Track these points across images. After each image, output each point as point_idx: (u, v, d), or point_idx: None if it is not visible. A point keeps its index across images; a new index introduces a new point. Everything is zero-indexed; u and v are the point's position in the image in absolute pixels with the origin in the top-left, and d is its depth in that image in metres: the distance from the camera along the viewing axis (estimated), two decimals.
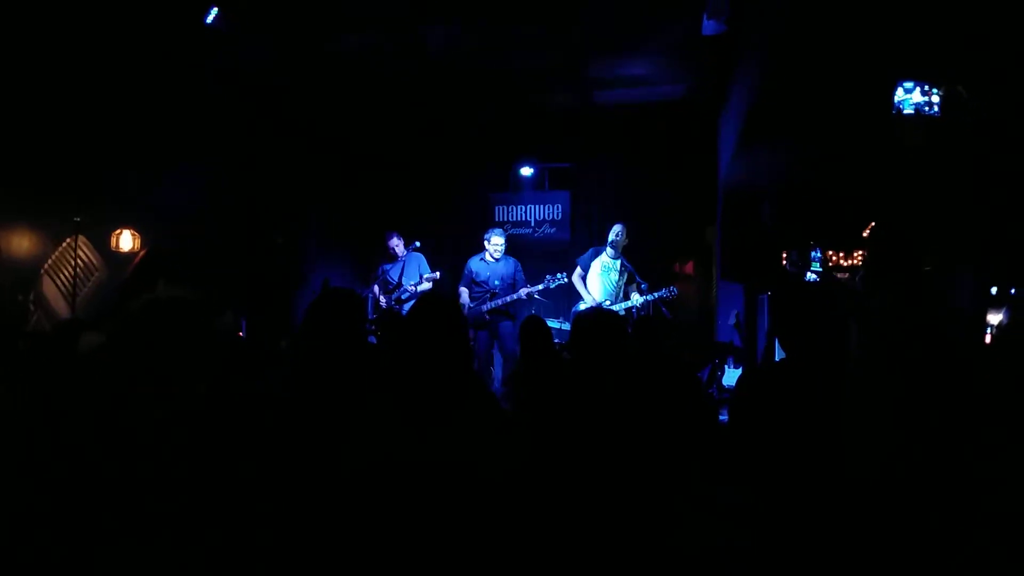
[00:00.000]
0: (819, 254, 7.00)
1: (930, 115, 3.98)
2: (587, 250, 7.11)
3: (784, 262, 6.99)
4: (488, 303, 6.66)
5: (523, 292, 6.59)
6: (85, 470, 1.78)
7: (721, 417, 4.24)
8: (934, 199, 5.12)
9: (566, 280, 6.66)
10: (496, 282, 6.70)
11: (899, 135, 4.18)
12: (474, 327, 6.60)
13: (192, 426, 1.86)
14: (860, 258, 6.87)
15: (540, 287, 6.59)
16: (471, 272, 6.84)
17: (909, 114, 3.98)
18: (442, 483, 1.93)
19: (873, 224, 6.51)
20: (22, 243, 6.16)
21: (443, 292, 7.16)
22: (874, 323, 3.55)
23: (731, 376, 6.61)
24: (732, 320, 6.84)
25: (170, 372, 1.89)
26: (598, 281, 6.83)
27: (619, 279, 6.80)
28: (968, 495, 2.08)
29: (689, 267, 8.58)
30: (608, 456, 2.50)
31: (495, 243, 6.75)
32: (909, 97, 4.01)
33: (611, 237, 6.78)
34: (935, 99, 3.95)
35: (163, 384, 1.89)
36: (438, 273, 7.10)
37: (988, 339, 4.51)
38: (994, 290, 4.93)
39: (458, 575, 1.91)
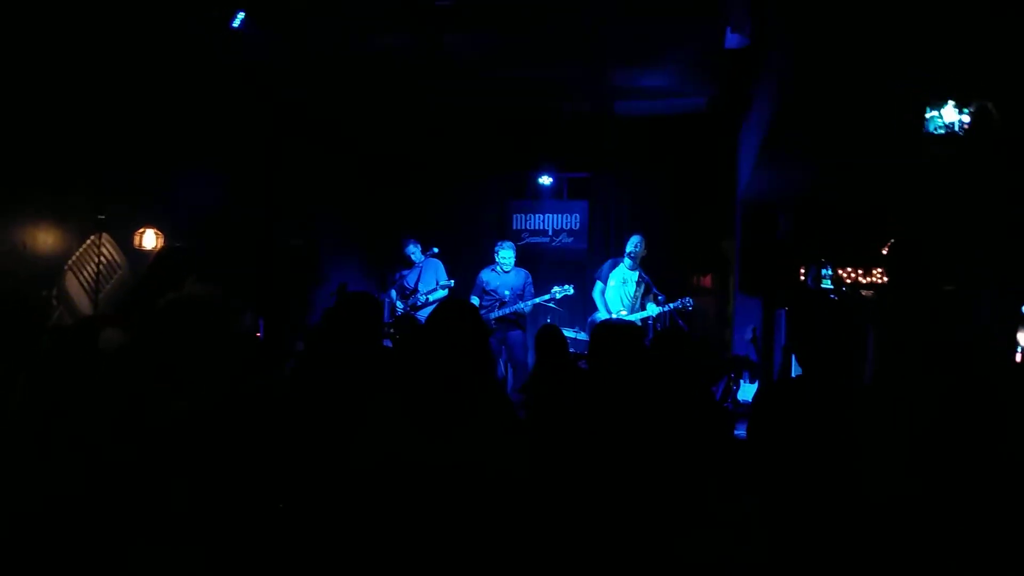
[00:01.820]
0: (829, 271, 6.95)
1: (959, 133, 3.93)
2: (605, 261, 7.12)
3: (802, 277, 6.94)
4: (495, 311, 6.80)
5: (522, 305, 6.79)
6: (105, 465, 1.80)
7: (737, 432, 4.20)
8: (960, 216, 5.06)
9: (572, 292, 6.79)
10: (506, 292, 6.92)
11: (926, 150, 4.14)
12: None
13: (210, 422, 1.88)
14: (879, 275, 6.80)
15: (540, 300, 6.81)
16: (482, 282, 7.05)
17: (940, 133, 3.94)
18: (451, 485, 1.93)
19: (892, 241, 6.45)
20: (46, 239, 6.23)
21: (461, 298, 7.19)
22: (893, 341, 3.52)
23: (746, 391, 6.56)
24: (749, 335, 6.79)
25: (192, 369, 1.91)
26: (615, 292, 6.82)
27: (636, 290, 6.78)
28: (989, 515, 2.05)
29: (707, 280, 8.52)
30: (621, 466, 2.49)
31: (503, 256, 7.00)
32: (939, 115, 3.96)
33: (629, 248, 6.78)
34: (964, 117, 3.91)
35: (184, 380, 1.91)
36: (452, 281, 7.15)
37: (1019, 358, 4.43)
38: None
39: None
